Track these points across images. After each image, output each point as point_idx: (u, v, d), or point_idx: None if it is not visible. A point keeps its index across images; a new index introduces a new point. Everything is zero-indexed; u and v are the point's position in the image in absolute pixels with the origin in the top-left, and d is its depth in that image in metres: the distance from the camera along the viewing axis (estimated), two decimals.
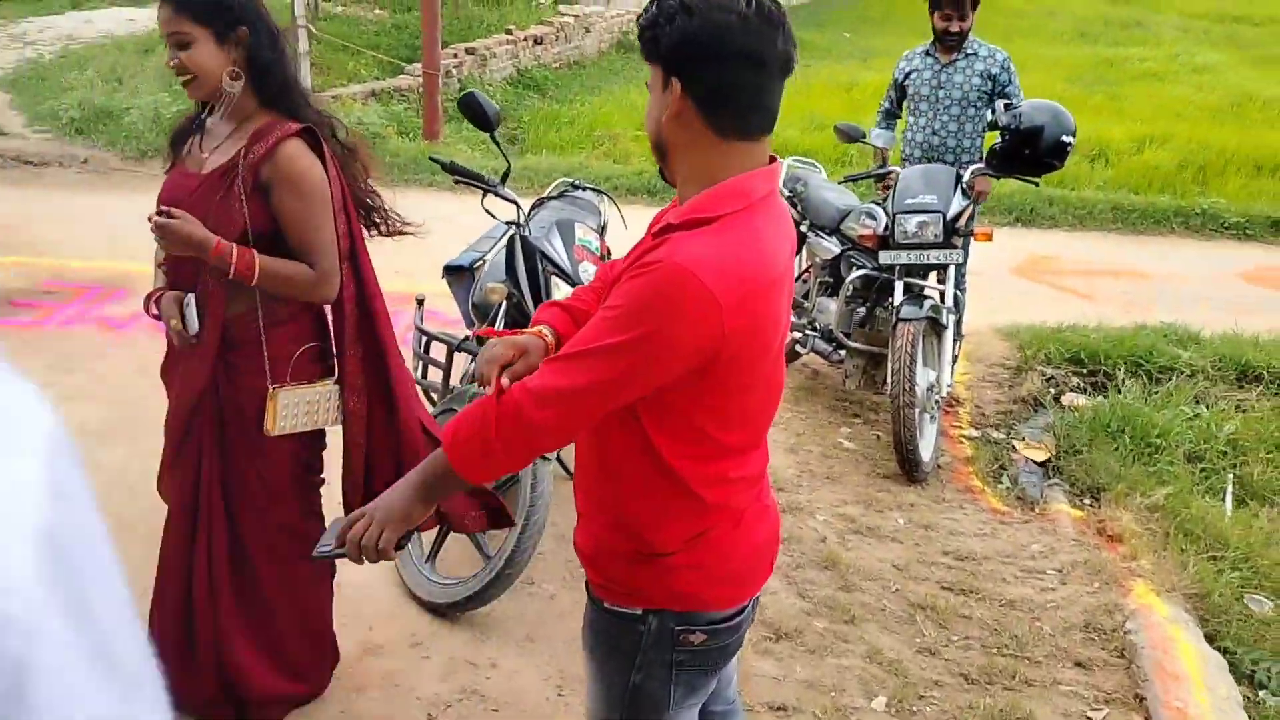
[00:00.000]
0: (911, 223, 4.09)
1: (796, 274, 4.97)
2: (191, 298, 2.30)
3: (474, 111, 3.10)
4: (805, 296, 4.79)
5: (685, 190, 1.50)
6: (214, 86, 2.21)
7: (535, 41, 11.78)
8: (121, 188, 7.47)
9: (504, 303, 3.16)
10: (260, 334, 2.34)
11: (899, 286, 4.21)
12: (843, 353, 4.53)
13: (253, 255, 2.24)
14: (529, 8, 13.13)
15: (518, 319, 3.17)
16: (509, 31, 11.57)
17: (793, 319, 4.74)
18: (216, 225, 2.19)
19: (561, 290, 3.12)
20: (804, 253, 4.81)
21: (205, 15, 2.18)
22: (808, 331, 4.66)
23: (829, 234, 4.61)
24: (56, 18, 13.18)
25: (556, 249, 3.16)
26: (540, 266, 3.09)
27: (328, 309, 2.46)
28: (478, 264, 3.81)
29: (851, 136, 4.74)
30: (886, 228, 4.22)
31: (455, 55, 10.40)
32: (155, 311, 2.39)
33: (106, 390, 4.50)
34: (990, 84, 4.54)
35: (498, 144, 3.25)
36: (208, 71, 2.20)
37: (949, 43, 4.56)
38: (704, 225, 1.42)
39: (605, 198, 4.23)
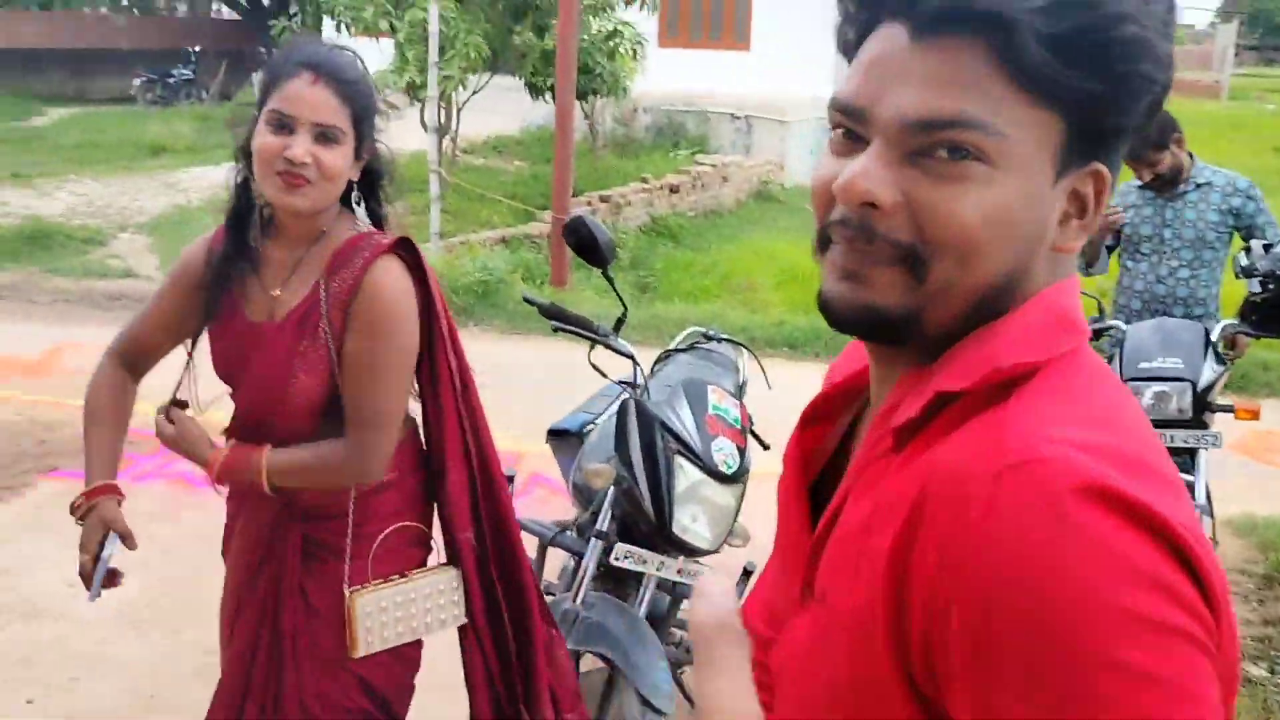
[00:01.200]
0: (1148, 393, 3.22)
1: None
2: (115, 537, 1.82)
3: (580, 238, 2.45)
4: None
5: (947, 321, 0.77)
6: (330, 202, 1.76)
7: (671, 190, 11.43)
8: None
9: (611, 489, 2.42)
10: (348, 504, 1.84)
11: None
12: None
13: (260, 457, 1.76)
14: (666, 158, 12.87)
15: (629, 511, 2.42)
16: (644, 180, 11.25)
17: None
18: (303, 385, 1.76)
19: (687, 474, 2.37)
20: None
21: (364, 113, 1.75)
22: None
23: None
24: (211, 168, 13.57)
25: (682, 419, 2.42)
26: (660, 441, 2.35)
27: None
28: (589, 429, 3.13)
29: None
30: None
31: (589, 202, 10.08)
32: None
33: (164, 561, 3.91)
34: (1232, 218, 3.68)
35: (611, 281, 2.58)
36: (339, 181, 1.74)
37: (1166, 180, 3.74)
38: (1023, 383, 0.72)
39: (745, 351, 3.50)
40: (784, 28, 13.62)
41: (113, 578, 1.85)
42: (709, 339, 3.52)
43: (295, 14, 11.12)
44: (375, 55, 9.61)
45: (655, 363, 3.24)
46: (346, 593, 1.79)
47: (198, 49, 21.70)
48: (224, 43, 23.58)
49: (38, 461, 4.75)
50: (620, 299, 2.68)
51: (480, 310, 7.45)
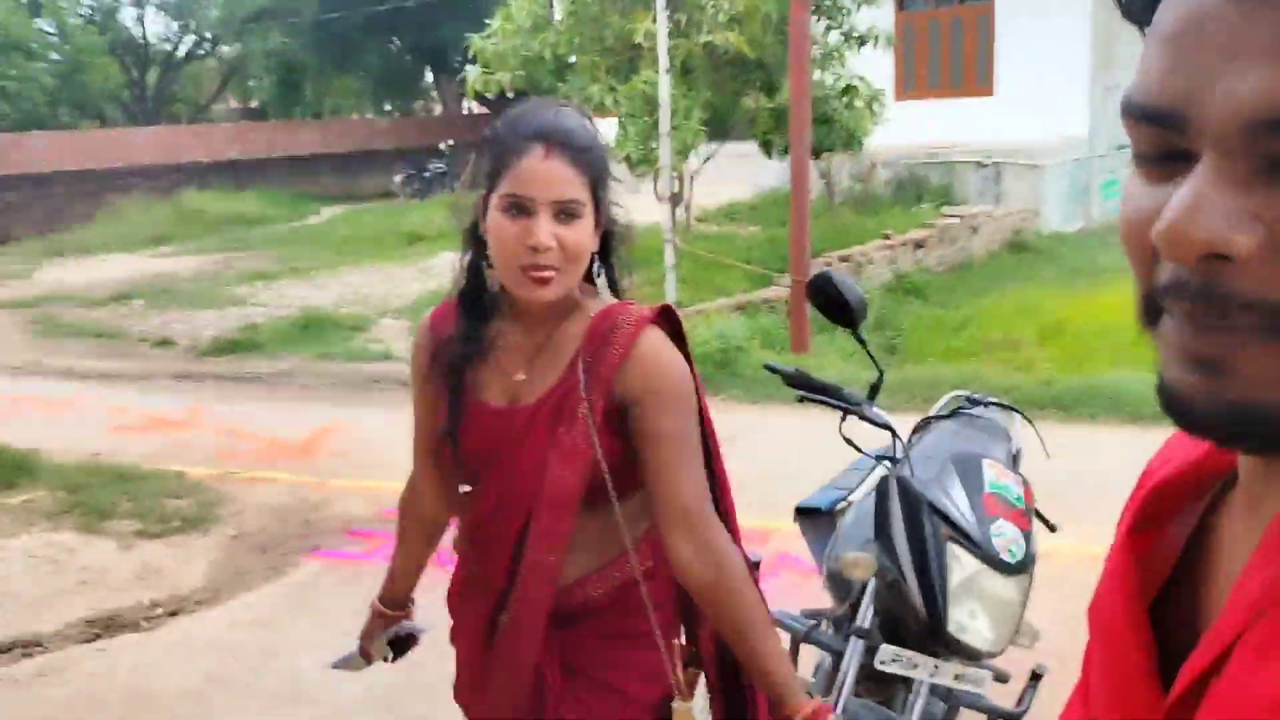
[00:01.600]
0: None
1: None
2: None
3: (827, 297, 2.19)
4: None
5: None
6: (577, 282, 1.60)
7: (916, 245, 10.95)
8: None
9: (871, 581, 2.12)
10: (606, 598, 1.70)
11: None
12: None
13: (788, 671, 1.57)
14: (907, 213, 12.39)
15: (894, 606, 2.11)
16: (886, 236, 10.84)
17: None
18: (559, 478, 1.58)
19: (963, 564, 2.03)
20: None
21: (600, 179, 1.59)
22: None
23: None
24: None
25: (954, 499, 2.09)
26: (929, 526, 2.04)
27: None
28: (841, 507, 2.84)
29: None
30: None
31: (828, 262, 9.78)
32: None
33: (416, 647, 3.88)
34: None
35: (863, 343, 2.30)
36: (584, 259, 1.59)
37: None
38: None
39: (1017, 416, 3.10)
40: (1030, 69, 12.94)
41: (405, 643, 2.05)
42: (973, 403, 3.15)
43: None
44: (609, 130, 9.81)
45: (913, 432, 2.91)
46: (674, 706, 1.64)
47: (450, 143, 23.13)
48: (474, 135, 25.04)
49: (302, 542, 4.91)
50: (874, 361, 2.39)
51: (719, 379, 7.27)
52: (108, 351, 9.79)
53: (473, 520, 1.72)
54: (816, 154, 10.20)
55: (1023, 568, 2.08)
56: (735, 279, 10.06)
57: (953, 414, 3.10)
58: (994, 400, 3.15)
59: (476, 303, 1.65)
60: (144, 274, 14.13)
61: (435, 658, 3.63)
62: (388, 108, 32.73)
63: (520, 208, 1.51)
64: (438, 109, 33.68)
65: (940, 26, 14.28)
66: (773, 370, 2.31)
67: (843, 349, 8.72)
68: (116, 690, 3.64)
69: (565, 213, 1.52)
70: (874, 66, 11.33)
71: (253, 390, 8.19)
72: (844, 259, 10.08)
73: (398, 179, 22.43)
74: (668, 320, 1.65)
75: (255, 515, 5.26)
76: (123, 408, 7.57)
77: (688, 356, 1.63)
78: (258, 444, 6.58)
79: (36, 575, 4.59)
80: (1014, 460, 3.05)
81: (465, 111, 31.11)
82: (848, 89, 10.12)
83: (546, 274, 1.52)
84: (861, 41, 10.38)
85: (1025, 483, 2.26)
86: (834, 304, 2.20)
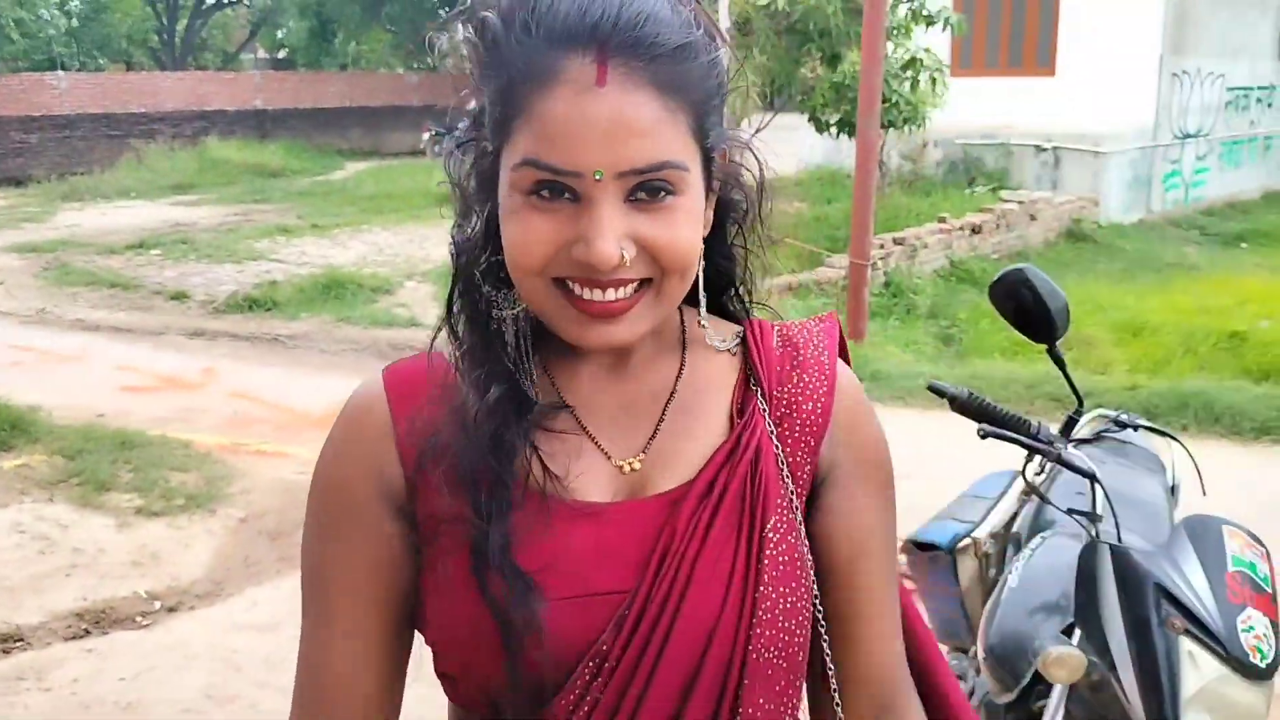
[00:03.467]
0: None
1: None
2: None
3: (1018, 302, 1.68)
4: None
5: None
6: (674, 305, 0.88)
7: (973, 230, 10.37)
8: None
9: (1074, 684, 1.61)
10: None
11: None
12: None
13: None
14: (961, 195, 11.79)
15: (1096, 715, 1.60)
16: (942, 220, 10.26)
17: None
18: (774, 612, 0.87)
19: (1201, 668, 1.52)
20: None
21: (707, 100, 0.84)
22: None
23: None
24: None
25: (1191, 580, 1.58)
26: (1157, 616, 1.53)
27: None
28: (962, 543, 2.37)
29: None
30: None
31: (882, 245, 9.23)
32: None
33: None
34: None
35: (1061, 364, 1.79)
36: (691, 262, 0.85)
37: None
38: None
39: (1174, 444, 2.59)
40: (1095, 50, 12.27)
41: None
42: (1120, 425, 2.63)
43: None
44: None
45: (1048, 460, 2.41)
46: None
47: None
48: None
49: None
50: (1074, 389, 1.89)
51: None
52: (121, 303, 9.34)
53: None
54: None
55: (1273, 670, 1.58)
56: (783, 258, 9.48)
57: (1097, 437, 2.60)
58: (1145, 424, 2.64)
59: (493, 350, 0.90)
60: (163, 222, 13.67)
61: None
62: (416, 65, 32.13)
63: (556, 188, 0.80)
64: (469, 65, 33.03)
65: (1002, 2, 13.60)
66: (938, 392, 1.80)
67: (896, 337, 8.20)
68: (103, 703, 3.19)
69: (648, 189, 0.80)
70: (930, 42, 10.71)
71: (269, 352, 7.73)
72: (898, 241, 9.53)
73: (426, 136, 21.82)
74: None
75: (266, 495, 4.79)
76: (132, 365, 7.13)
77: None
78: (273, 413, 6.12)
79: (24, 554, 4.14)
80: (1172, 495, 2.55)
81: None
82: (911, 62, 9.51)
83: (618, 304, 0.82)
84: (930, 21, 9.74)
85: (1267, 553, 1.75)
86: (1027, 311, 1.69)
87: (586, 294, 0.81)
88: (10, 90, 20.01)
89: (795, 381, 0.94)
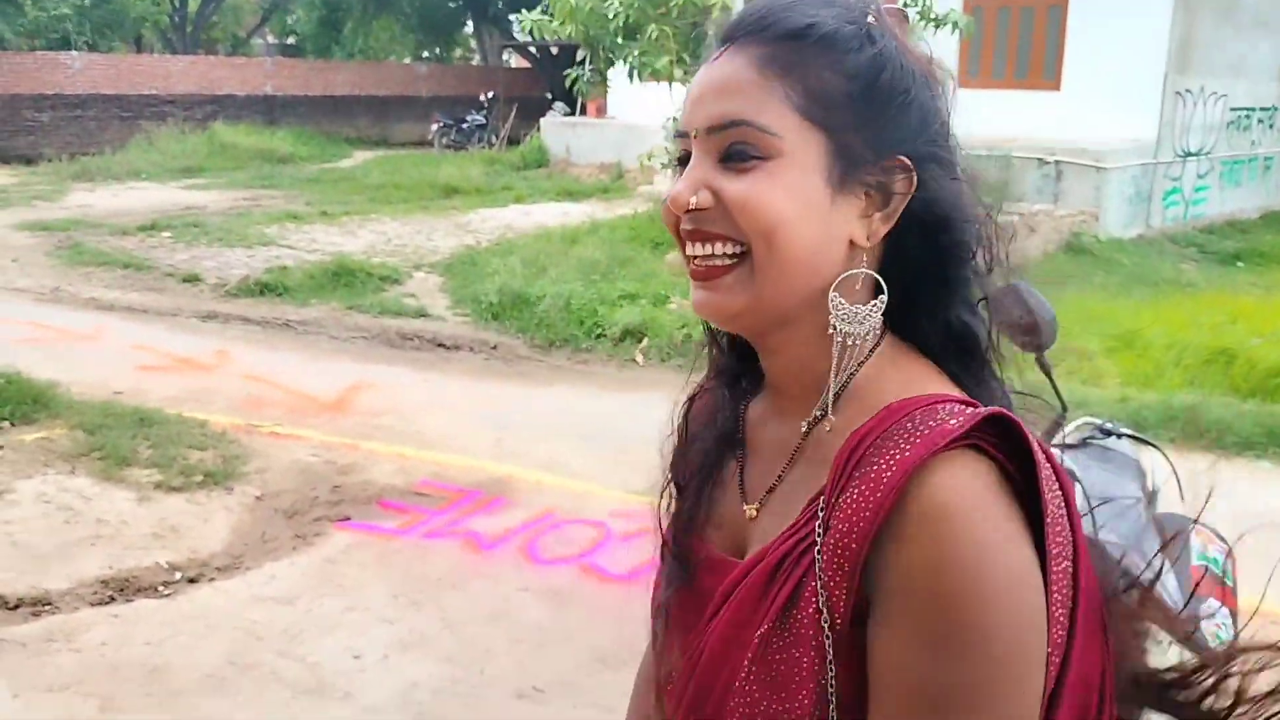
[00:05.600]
0: None
1: None
2: None
3: (1010, 317, 1.83)
4: None
5: None
6: (784, 290, 0.84)
7: None
8: (523, 378, 6.99)
9: None
10: None
11: None
12: None
13: None
14: None
15: None
16: None
17: None
18: (756, 709, 0.81)
19: (1165, 655, 1.69)
20: None
21: (833, 87, 0.83)
22: None
23: None
24: (500, 209, 13.90)
25: (1159, 573, 1.74)
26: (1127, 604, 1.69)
27: None
28: None
29: None
30: None
31: None
32: None
33: (452, 638, 3.59)
34: None
35: (1048, 372, 1.94)
36: (777, 231, 0.82)
37: None
38: None
39: (1154, 451, 2.74)
40: (1101, 66, 12.44)
41: None
42: (1105, 433, 2.79)
43: (583, 59, 11.08)
44: (669, 104, 9.35)
45: None
46: None
47: (491, 95, 22.68)
48: (515, 90, 24.62)
49: (330, 509, 4.61)
50: (1059, 397, 2.04)
51: None
52: (134, 283, 9.49)
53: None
54: None
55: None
56: None
57: (1083, 444, 2.76)
58: (1129, 432, 2.81)
59: (734, 366, 0.99)
60: (173, 204, 13.83)
61: (473, 661, 3.36)
62: (425, 55, 32.25)
63: (683, 159, 0.88)
64: (476, 59, 33.20)
65: (1010, 14, 13.75)
66: None
67: None
68: (131, 665, 3.35)
69: (731, 152, 0.83)
70: (938, 52, 10.83)
71: (280, 337, 7.89)
72: None
73: (434, 128, 22.02)
74: (1000, 437, 0.77)
75: (282, 475, 4.96)
76: (148, 345, 7.28)
77: (1045, 507, 0.77)
78: (286, 396, 6.28)
79: (49, 524, 4.30)
80: (1152, 500, 2.71)
81: (506, 63, 30.65)
82: None
83: (712, 268, 0.85)
84: (939, 24, 9.90)
85: (1230, 550, 1.91)
86: (1017, 324, 1.85)
87: (687, 248, 0.86)
88: (25, 68, 20.16)
89: (849, 491, 0.78)
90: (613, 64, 10.97)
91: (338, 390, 6.38)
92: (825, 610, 0.78)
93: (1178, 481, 2.60)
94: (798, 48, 0.83)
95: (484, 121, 22.22)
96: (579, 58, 11.28)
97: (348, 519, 4.52)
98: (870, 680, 0.78)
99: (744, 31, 0.85)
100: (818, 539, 0.80)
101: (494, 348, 7.70)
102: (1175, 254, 12.39)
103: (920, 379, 0.86)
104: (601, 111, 19.17)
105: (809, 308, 0.85)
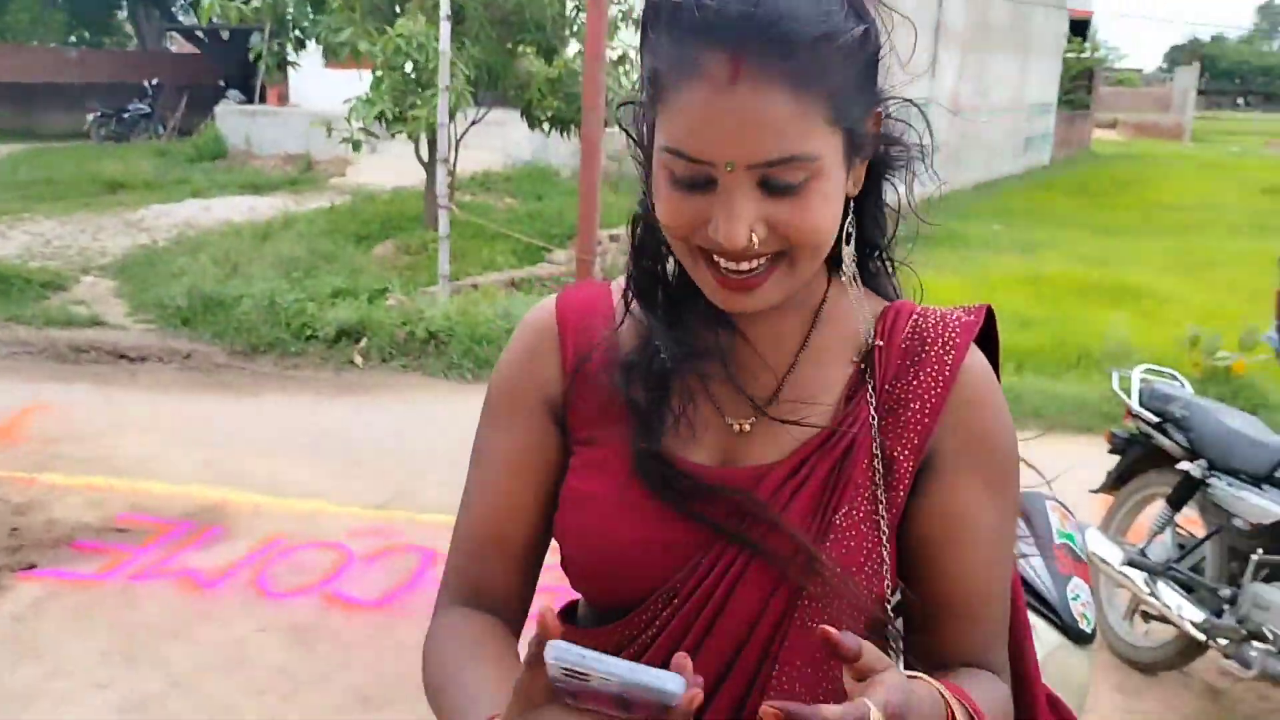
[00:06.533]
0: None
1: (1176, 537, 3.42)
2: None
3: None
4: (1206, 576, 3.22)
5: None
6: (810, 274, 0.91)
7: None
8: (226, 389, 6.31)
9: None
10: None
11: None
12: None
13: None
14: None
15: None
16: None
17: (1189, 609, 3.17)
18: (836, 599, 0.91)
19: (1042, 639, 1.60)
20: (1198, 510, 3.28)
21: (845, 81, 0.84)
22: (1227, 636, 3.06)
23: (1256, 484, 3.07)
24: (175, 205, 12.69)
25: (1025, 555, 1.66)
26: None
27: None
28: None
29: None
30: None
31: (599, 241, 9.36)
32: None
33: (181, 702, 3.07)
34: None
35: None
36: (825, 238, 0.88)
37: None
38: None
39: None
40: None
41: None
42: None
43: (275, 36, 10.24)
44: (359, 88, 8.80)
45: None
46: None
47: (155, 82, 20.79)
48: (183, 77, 22.66)
49: (10, 556, 3.88)
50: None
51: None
52: None
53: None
54: (571, 126, 9.61)
55: (1093, 636, 1.69)
56: (502, 253, 9.42)
57: None
58: None
59: (655, 285, 0.99)
60: None
61: None
62: (74, 40, 29.12)
63: (693, 183, 0.84)
64: (134, 44, 30.39)
65: None
66: None
67: None
68: None
69: (776, 186, 0.83)
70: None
71: None
72: (614, 238, 9.72)
73: (90, 118, 19.89)
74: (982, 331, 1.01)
75: None
76: None
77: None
78: None
79: None
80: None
81: (168, 48, 28.32)
82: (623, 59, 9.68)
83: (751, 279, 0.87)
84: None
85: (1080, 526, 1.87)
86: None
87: (723, 264, 0.87)
88: None
89: (911, 378, 0.95)
90: (304, 45, 10.23)
91: (5, 415, 5.46)
92: (878, 486, 0.93)
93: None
94: (816, 57, 0.82)
95: (149, 111, 20.30)
96: (252, 41, 10.43)
97: (33, 566, 3.82)
98: (941, 529, 0.95)
99: (758, 47, 0.80)
100: (874, 425, 0.94)
101: (187, 357, 6.92)
102: None
103: (840, 288, 0.99)
104: (284, 99, 18.05)
105: None
